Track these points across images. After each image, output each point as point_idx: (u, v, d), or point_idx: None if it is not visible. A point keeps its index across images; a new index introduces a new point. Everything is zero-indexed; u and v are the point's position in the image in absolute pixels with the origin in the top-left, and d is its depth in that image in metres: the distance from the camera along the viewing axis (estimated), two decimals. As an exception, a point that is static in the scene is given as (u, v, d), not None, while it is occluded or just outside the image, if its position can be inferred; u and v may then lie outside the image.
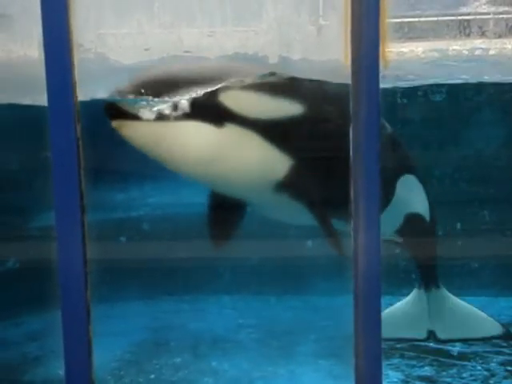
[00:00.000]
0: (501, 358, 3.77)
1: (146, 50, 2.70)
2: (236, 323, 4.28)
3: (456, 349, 3.86)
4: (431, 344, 3.89)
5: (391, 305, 3.90)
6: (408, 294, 3.93)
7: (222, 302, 4.58)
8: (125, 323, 4.15)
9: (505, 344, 3.88)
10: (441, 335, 3.91)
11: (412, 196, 3.55)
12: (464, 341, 3.89)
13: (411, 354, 3.81)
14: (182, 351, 3.92)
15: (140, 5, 2.70)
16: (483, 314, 3.93)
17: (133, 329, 4.16)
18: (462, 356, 3.81)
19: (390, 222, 3.42)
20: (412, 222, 3.58)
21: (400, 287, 3.87)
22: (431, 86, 4.02)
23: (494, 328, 3.94)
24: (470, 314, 3.92)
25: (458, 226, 4.54)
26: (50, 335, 3.84)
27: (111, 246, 3.50)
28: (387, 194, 3.24)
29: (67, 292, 2.08)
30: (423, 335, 3.92)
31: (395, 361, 3.73)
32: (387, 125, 3.19)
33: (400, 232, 3.55)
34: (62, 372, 2.16)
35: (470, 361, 3.75)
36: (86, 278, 2.10)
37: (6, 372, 3.87)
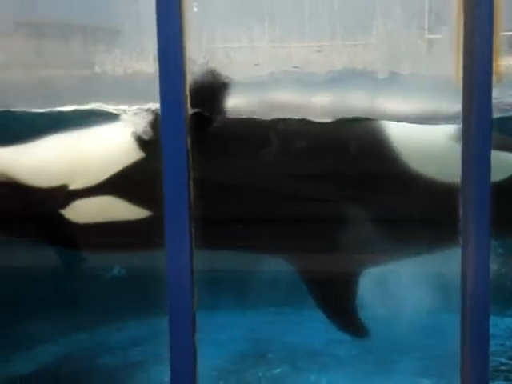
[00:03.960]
0: None
1: (256, 65, 2.74)
2: (332, 338, 4.25)
3: None
4: (537, 367, 3.76)
5: (496, 326, 3.79)
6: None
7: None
8: (224, 333, 4.20)
9: None
10: None
11: None
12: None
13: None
14: (279, 363, 3.94)
15: (251, 20, 2.74)
16: None
17: (232, 338, 4.20)
18: None
19: None
20: None
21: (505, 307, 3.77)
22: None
23: None
24: None
25: None
26: (152, 341, 3.95)
27: (215, 255, 3.56)
28: None
29: (175, 300, 2.14)
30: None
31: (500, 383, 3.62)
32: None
33: None
34: (166, 378, 2.22)
35: None
36: (192, 287, 2.16)
37: (109, 376, 4.00)
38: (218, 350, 3.92)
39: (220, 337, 4.09)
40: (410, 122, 3.03)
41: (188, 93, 2.22)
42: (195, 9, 2.31)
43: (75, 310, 4.08)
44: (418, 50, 2.80)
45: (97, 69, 2.89)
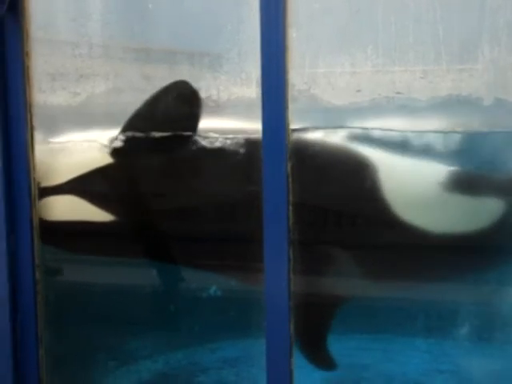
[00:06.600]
0: None
1: (358, 91, 2.74)
2: (431, 367, 4.15)
3: None
4: None
5: None
6: None
7: (416, 345, 4.46)
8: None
9: None
10: None
11: None
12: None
13: None
14: (375, 391, 3.88)
15: (353, 45, 2.75)
16: None
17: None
18: None
19: None
20: None
21: None
22: None
23: None
24: None
25: None
26: (246, 362, 3.97)
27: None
28: None
29: (272, 323, 2.16)
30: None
31: None
32: None
33: None
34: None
35: None
36: (290, 311, 2.17)
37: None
38: (312, 375, 3.89)
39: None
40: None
41: (289, 119, 2.25)
42: (294, 34, 2.35)
43: (171, 328, 4.16)
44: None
45: (203, 93, 2.97)
